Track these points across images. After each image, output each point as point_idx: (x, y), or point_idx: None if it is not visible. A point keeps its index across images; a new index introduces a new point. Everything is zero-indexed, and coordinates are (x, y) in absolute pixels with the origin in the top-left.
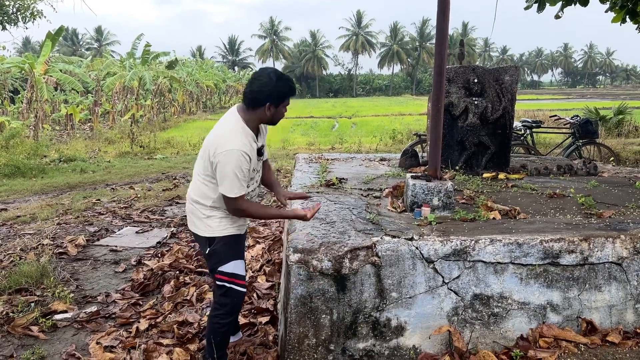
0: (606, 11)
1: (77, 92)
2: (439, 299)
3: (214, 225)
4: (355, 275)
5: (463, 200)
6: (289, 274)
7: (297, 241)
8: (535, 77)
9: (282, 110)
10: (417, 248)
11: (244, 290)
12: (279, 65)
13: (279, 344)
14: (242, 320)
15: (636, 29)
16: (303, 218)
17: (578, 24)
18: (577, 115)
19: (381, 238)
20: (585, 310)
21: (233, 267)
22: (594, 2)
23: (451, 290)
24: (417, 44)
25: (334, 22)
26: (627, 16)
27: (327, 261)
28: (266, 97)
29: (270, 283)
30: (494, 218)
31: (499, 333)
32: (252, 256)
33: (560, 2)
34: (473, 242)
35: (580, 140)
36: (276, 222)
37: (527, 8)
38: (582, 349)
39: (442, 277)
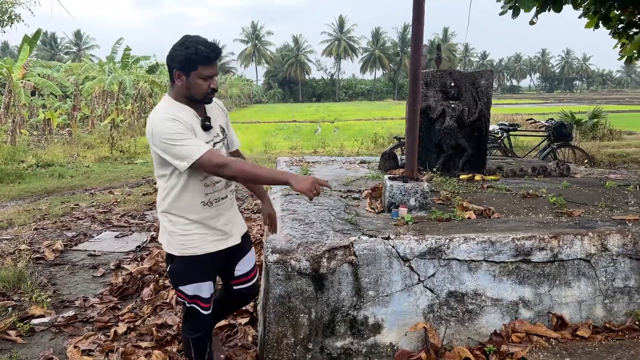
0: (580, 17)
1: (56, 97)
2: (415, 297)
3: (174, 242)
4: (333, 275)
5: (440, 201)
6: (267, 274)
7: (275, 242)
8: (515, 82)
9: (199, 82)
10: (393, 247)
11: (208, 313)
12: (262, 70)
13: (258, 344)
14: (221, 322)
15: (609, 34)
16: (305, 188)
17: (555, 30)
18: (552, 119)
19: (359, 237)
20: (556, 305)
21: (194, 289)
22: (569, 8)
23: (427, 287)
24: (399, 49)
25: (316, 27)
26: (600, 21)
27: (305, 261)
28: (171, 64)
29: None
30: (469, 218)
31: (473, 329)
32: None
33: (535, 8)
34: (448, 240)
35: (555, 143)
36: (257, 226)
37: (502, 13)
38: (553, 343)
39: (418, 275)
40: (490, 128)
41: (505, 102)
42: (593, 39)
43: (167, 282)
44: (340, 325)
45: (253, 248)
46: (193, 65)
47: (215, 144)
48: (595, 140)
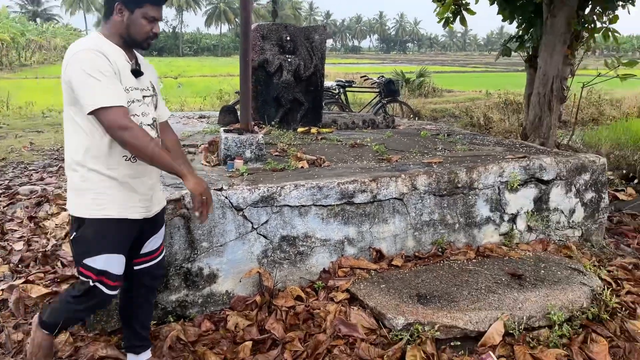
0: None
1: None
2: (249, 244)
3: (85, 202)
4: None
5: (276, 153)
6: None
7: None
8: (356, 43)
9: (142, 22)
10: (226, 197)
11: (114, 294)
12: (92, 19)
13: None
14: (43, 290)
15: None
16: (198, 190)
17: None
18: (382, 76)
19: None
20: (376, 241)
21: (105, 262)
22: None
23: (260, 234)
24: None
25: None
26: None
27: None
28: None
29: None
30: (302, 167)
31: (304, 269)
32: (56, 224)
33: None
34: (279, 188)
35: (385, 99)
36: None
37: None
38: (373, 274)
39: (252, 223)
40: (329, 84)
41: (348, 62)
42: (422, 3)
43: None
44: (174, 279)
45: (164, 225)
46: (140, 2)
47: (145, 97)
48: (422, 97)
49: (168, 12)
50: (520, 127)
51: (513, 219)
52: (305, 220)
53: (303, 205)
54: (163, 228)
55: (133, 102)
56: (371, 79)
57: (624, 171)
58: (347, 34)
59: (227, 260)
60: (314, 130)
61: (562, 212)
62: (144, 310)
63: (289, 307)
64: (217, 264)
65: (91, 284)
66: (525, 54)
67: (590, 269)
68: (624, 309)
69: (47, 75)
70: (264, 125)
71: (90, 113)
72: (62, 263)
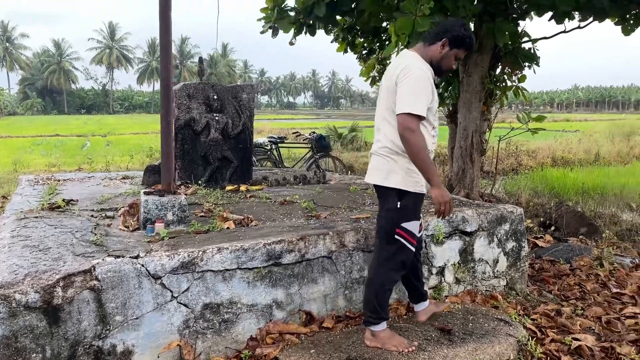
0: (331, 42)
1: None
2: (169, 315)
3: (410, 180)
4: (70, 304)
5: (202, 214)
6: None
7: None
8: (291, 99)
9: (452, 59)
10: (142, 265)
11: (414, 250)
12: (15, 77)
13: None
14: None
15: (356, 59)
16: (437, 200)
17: (323, 51)
18: (314, 132)
19: (102, 260)
20: (305, 302)
21: (414, 226)
22: (323, 33)
23: (181, 303)
24: (178, 61)
25: (81, 32)
26: (348, 47)
27: (34, 293)
28: (445, 32)
29: None
30: (228, 228)
31: (230, 338)
32: None
33: (292, 30)
34: (201, 252)
35: (318, 154)
36: None
37: (262, 32)
38: (303, 338)
39: (171, 291)
40: (261, 141)
41: (283, 117)
42: (353, 62)
43: None
44: (83, 358)
45: None
46: (460, 45)
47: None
48: (354, 151)
49: (98, 69)
50: (447, 179)
51: (441, 271)
52: (229, 285)
53: (227, 270)
54: None
55: (434, 113)
56: (303, 135)
57: (542, 219)
58: (282, 91)
59: (144, 334)
60: (243, 188)
61: (487, 262)
62: (420, 267)
63: None
64: (132, 339)
65: (403, 241)
66: (447, 110)
67: (515, 318)
68: (549, 358)
69: None
70: (190, 185)
71: (398, 114)
72: None
